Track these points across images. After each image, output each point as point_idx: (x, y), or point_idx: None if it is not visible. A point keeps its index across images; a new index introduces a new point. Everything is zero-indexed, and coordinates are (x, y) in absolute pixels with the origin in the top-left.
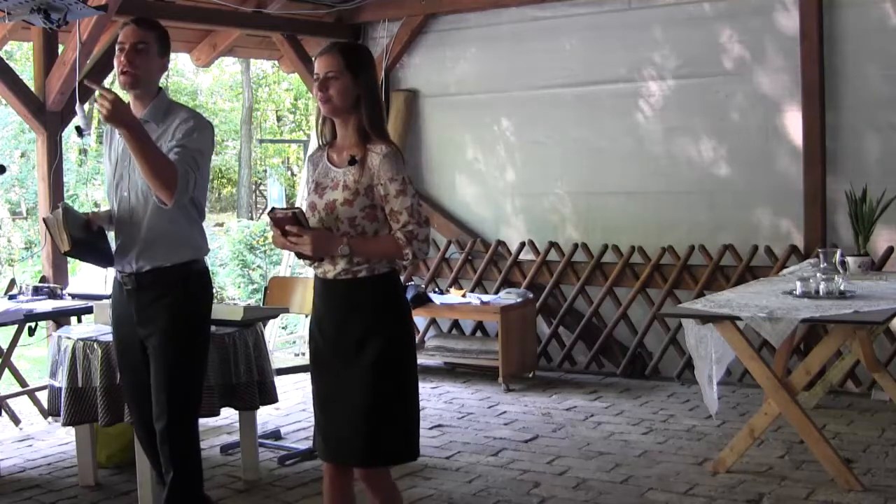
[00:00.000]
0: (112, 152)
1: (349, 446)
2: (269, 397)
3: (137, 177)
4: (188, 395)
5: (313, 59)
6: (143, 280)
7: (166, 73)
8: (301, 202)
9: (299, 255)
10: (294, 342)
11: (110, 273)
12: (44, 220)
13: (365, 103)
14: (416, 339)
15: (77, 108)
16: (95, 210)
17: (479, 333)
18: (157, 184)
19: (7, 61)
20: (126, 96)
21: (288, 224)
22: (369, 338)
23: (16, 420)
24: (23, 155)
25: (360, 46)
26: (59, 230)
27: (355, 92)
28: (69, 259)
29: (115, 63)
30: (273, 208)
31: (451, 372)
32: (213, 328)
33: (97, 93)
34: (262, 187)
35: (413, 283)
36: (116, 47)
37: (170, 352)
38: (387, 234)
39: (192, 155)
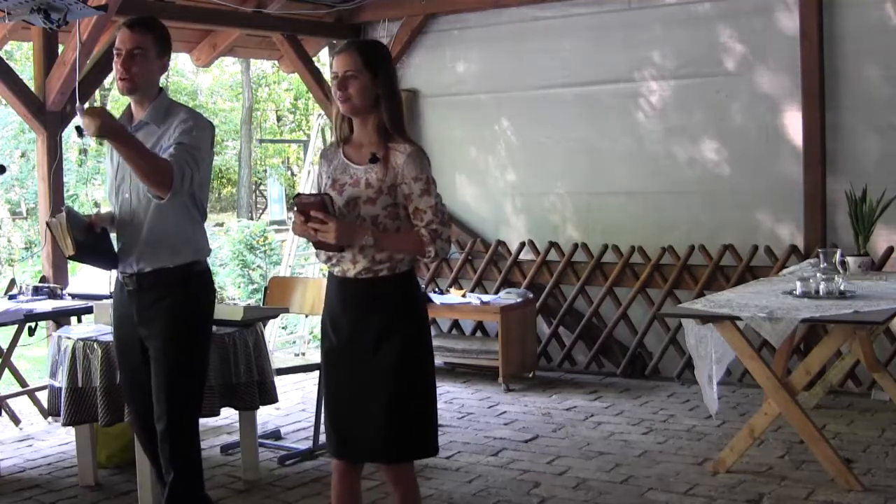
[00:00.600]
0: (114, 155)
1: (371, 444)
2: (269, 397)
3: (138, 179)
4: (189, 395)
5: (331, 56)
6: (144, 281)
7: (166, 72)
8: None
9: (318, 246)
10: (294, 342)
11: (113, 273)
12: (47, 223)
13: (385, 102)
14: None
15: (77, 108)
16: (97, 212)
17: (479, 333)
18: (150, 182)
19: (7, 61)
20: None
21: (314, 209)
22: (390, 337)
23: (16, 420)
24: (23, 155)
25: (378, 44)
26: (62, 234)
27: (374, 91)
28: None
29: (114, 68)
30: (299, 193)
31: (451, 372)
32: (213, 328)
33: (80, 116)
34: (262, 187)
35: None
36: (114, 51)
37: (170, 352)
38: (411, 230)
39: (189, 151)
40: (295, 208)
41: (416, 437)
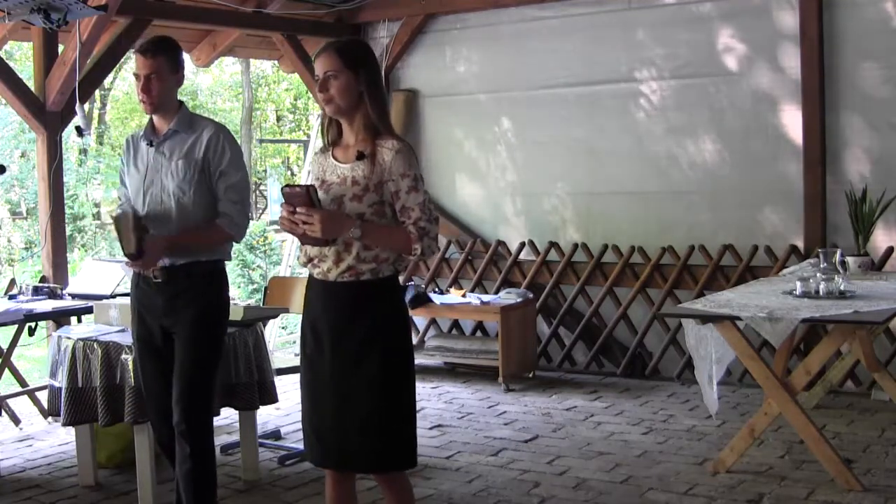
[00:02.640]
0: (140, 162)
1: (354, 454)
2: (269, 397)
3: (168, 180)
4: (207, 378)
5: (313, 59)
6: (175, 273)
7: (182, 83)
8: None
9: (305, 240)
10: (294, 342)
11: (118, 274)
12: (113, 217)
13: (370, 99)
14: (415, 340)
15: (77, 108)
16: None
17: (479, 333)
18: (219, 247)
19: (7, 61)
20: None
21: (298, 200)
22: (373, 347)
23: (16, 420)
24: (23, 155)
25: (358, 41)
26: (128, 232)
27: (357, 89)
28: (69, 259)
29: (136, 91)
30: (286, 184)
31: (451, 372)
32: None
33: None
34: (262, 187)
35: (413, 283)
36: (133, 76)
37: (197, 337)
38: (398, 226)
39: (237, 189)
40: (283, 200)
41: (400, 448)
